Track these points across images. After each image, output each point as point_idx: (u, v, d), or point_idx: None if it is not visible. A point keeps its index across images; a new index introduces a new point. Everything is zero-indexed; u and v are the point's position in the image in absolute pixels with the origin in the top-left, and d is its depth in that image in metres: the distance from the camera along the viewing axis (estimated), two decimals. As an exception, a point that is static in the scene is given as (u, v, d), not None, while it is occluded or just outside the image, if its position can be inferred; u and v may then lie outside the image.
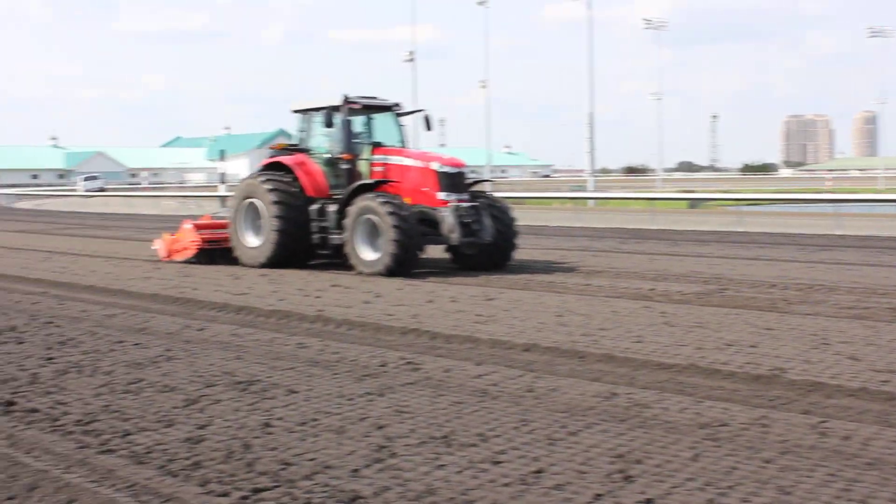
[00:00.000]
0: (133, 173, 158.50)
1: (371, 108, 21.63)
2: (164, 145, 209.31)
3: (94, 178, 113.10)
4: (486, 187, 22.56)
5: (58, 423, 8.01)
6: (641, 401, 8.52)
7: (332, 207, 20.41)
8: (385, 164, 20.50)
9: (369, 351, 11.08)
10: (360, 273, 19.16)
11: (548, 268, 20.44)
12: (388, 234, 18.63)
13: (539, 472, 6.53)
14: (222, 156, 64.01)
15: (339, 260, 20.67)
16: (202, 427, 7.77)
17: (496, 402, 8.56)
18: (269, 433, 7.57)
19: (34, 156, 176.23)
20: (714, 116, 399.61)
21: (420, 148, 22.13)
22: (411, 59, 79.40)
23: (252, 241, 21.32)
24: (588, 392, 8.89)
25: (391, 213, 18.65)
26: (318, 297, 15.92)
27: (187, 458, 6.91)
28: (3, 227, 42.11)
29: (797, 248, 25.64)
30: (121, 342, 11.81)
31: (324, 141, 21.57)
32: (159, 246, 23.30)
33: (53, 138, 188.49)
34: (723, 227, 35.09)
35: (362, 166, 20.70)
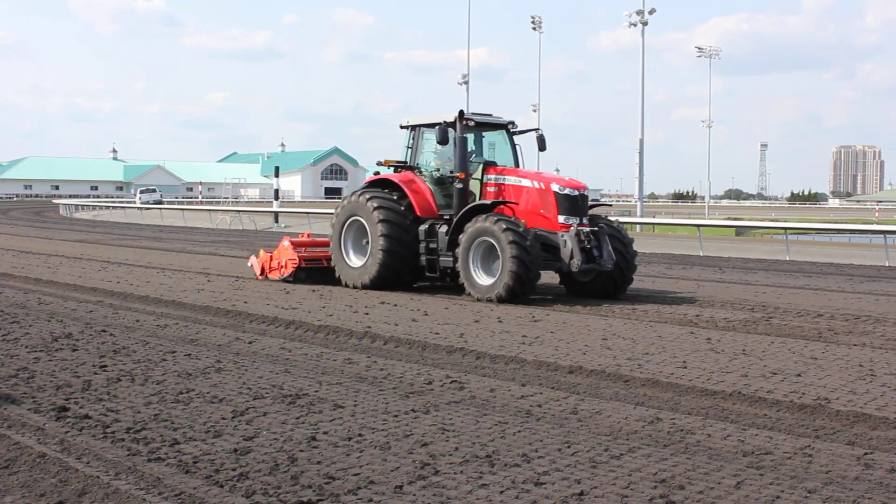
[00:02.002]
0: (189, 187, 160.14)
1: (484, 126, 20.50)
2: (221, 160, 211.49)
3: (152, 190, 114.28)
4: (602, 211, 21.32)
5: (108, 429, 8.06)
6: (685, 426, 8.43)
7: (443, 228, 19.54)
8: (499, 185, 19.54)
9: (415, 368, 11.08)
10: (474, 298, 18.20)
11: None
12: (507, 260, 17.61)
13: (581, 494, 6.47)
14: (276, 172, 64.19)
15: (444, 282, 20.17)
16: (249, 439, 7.79)
17: (540, 423, 8.51)
18: (315, 447, 7.57)
19: (94, 168, 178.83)
20: (763, 145, 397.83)
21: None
22: (466, 82, 79.57)
23: (355, 262, 20.52)
24: (632, 416, 8.81)
25: (512, 239, 17.58)
26: (366, 313, 15.94)
27: (234, 469, 6.93)
28: (62, 237, 42.63)
29: (845, 278, 25.30)
30: (172, 352, 11.89)
31: (433, 158, 20.65)
32: (254, 263, 22.46)
33: (114, 151, 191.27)
34: (770, 255, 34.73)
35: (474, 186, 19.74)
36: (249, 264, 22.81)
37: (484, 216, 18.34)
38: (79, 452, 7.37)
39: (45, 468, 6.98)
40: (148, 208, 78.57)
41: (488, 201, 19.06)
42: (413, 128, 20.73)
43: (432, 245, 19.61)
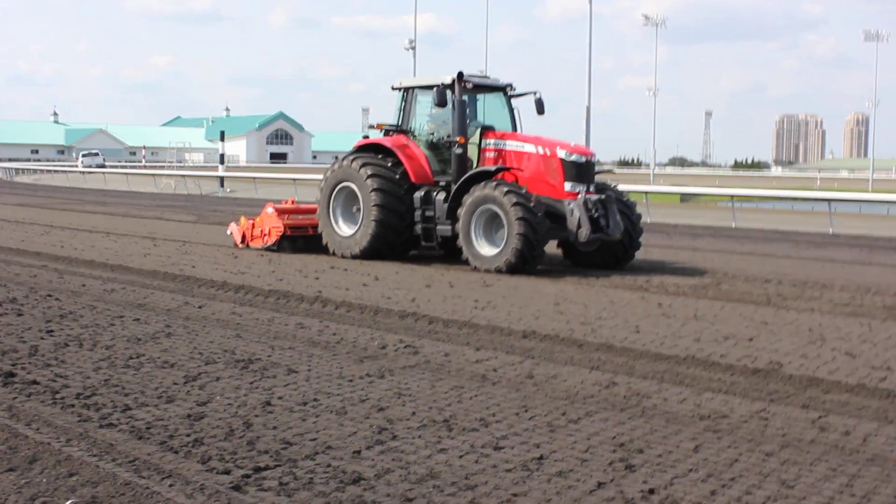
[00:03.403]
0: (132, 151, 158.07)
1: (481, 88, 19.62)
2: (165, 125, 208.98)
3: (94, 154, 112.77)
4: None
5: (58, 395, 7.89)
6: (641, 390, 8.44)
7: (440, 196, 18.70)
8: (498, 150, 18.66)
9: (368, 333, 10.98)
10: (475, 269, 17.43)
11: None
12: (513, 228, 16.82)
13: (541, 458, 6.43)
14: (222, 136, 63.57)
15: (440, 252, 19.23)
16: (202, 404, 7.67)
17: (496, 387, 8.46)
18: (270, 412, 7.47)
19: (35, 131, 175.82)
20: (708, 113, 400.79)
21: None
22: (413, 48, 79.05)
23: (346, 230, 19.68)
24: (588, 380, 8.80)
25: (517, 205, 16.80)
26: (316, 278, 15.82)
27: (188, 435, 6.81)
28: (2, 201, 41.89)
29: (790, 244, 25.57)
30: (120, 317, 11.69)
31: (427, 122, 19.79)
32: (234, 230, 21.58)
33: (55, 114, 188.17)
34: (716, 222, 35.01)
35: (471, 152, 18.85)
36: (228, 232, 21.89)
37: (486, 183, 17.59)
38: (28, 419, 7.20)
39: (-7, 434, 6.80)
40: (91, 172, 77.57)
41: (491, 167, 18.19)
42: (406, 90, 19.92)
43: (429, 213, 18.77)
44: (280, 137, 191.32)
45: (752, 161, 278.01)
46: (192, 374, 8.69)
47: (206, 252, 19.86)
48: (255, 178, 59.91)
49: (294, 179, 53.36)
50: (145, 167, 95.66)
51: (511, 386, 8.52)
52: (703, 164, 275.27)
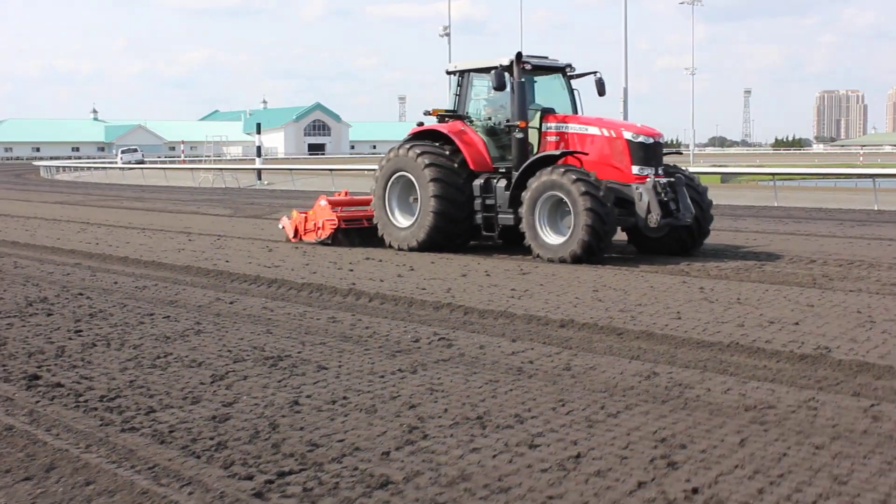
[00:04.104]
0: (171, 146, 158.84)
1: (539, 69, 18.72)
2: (203, 119, 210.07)
3: (133, 150, 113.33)
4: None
5: (81, 398, 7.68)
6: (683, 381, 8.10)
7: (501, 183, 17.95)
8: (560, 133, 17.89)
9: (402, 326, 10.74)
10: (541, 259, 16.70)
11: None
12: (581, 216, 16.01)
13: (578, 456, 6.13)
14: (258, 129, 63.58)
15: (499, 241, 18.67)
16: (229, 405, 7.43)
17: (532, 380, 8.17)
18: (297, 412, 7.21)
19: (75, 129, 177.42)
20: (747, 91, 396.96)
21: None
22: (447, 34, 78.68)
23: (402, 222, 18.94)
24: (627, 371, 8.48)
25: (586, 194, 15.98)
26: (350, 270, 15.58)
27: (212, 438, 6.56)
28: (41, 199, 42.07)
29: (835, 223, 25.04)
30: (150, 315, 11.51)
31: (484, 106, 19.06)
32: (286, 224, 20.90)
33: (94, 112, 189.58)
34: (757, 201, 34.44)
35: (531, 136, 18.03)
36: (281, 226, 21.27)
37: (550, 168, 16.76)
38: (48, 424, 6.99)
39: (11, 442, 6.59)
40: (130, 168, 77.96)
41: (556, 152, 17.38)
42: (461, 73, 19.14)
43: (489, 202, 18.03)
44: (318, 128, 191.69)
45: (793, 139, 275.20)
46: (219, 373, 8.46)
47: (240, 246, 19.69)
48: (291, 168, 59.79)
49: (331, 170, 53.18)
50: (184, 162, 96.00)
51: (548, 379, 8.23)
52: (744, 143, 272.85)
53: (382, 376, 8.34)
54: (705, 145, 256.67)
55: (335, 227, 19.74)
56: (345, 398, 7.60)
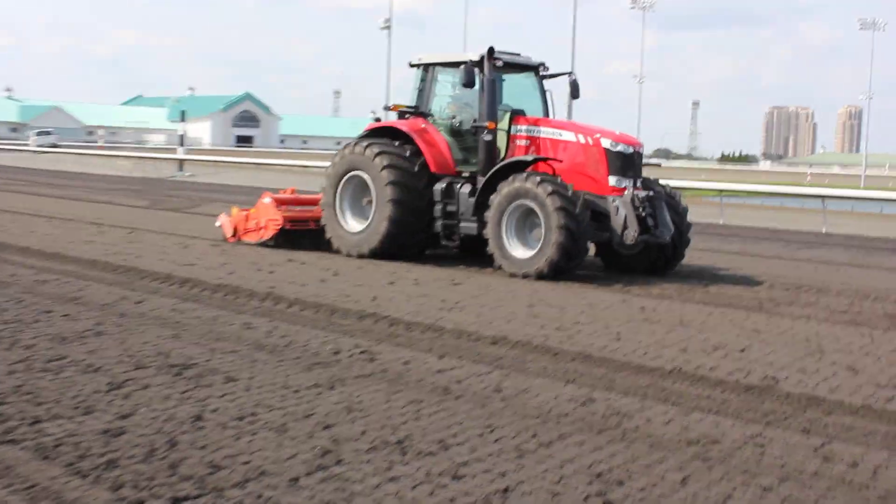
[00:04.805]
0: (90, 131, 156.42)
1: (511, 67, 18.15)
2: (125, 103, 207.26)
3: (48, 133, 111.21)
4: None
5: (-40, 404, 7.24)
6: (622, 409, 7.87)
7: (465, 188, 17.30)
8: (531, 138, 17.28)
9: (322, 336, 10.39)
10: (509, 273, 16.03)
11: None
12: (553, 233, 15.44)
13: (506, 490, 5.84)
14: (182, 116, 62.78)
15: (456, 249, 18.22)
16: (124, 417, 7.04)
17: (459, 402, 7.88)
18: (200, 428, 6.84)
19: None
20: (695, 103, 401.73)
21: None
22: (388, 27, 78.41)
23: (354, 226, 18.16)
24: (562, 396, 8.23)
25: (560, 207, 15.41)
26: (270, 272, 15.19)
27: (102, 455, 6.17)
28: (-56, 180, 41.00)
29: (781, 244, 25.18)
30: (48, 312, 11.04)
31: (448, 104, 18.44)
32: (224, 222, 19.93)
33: (8, 90, 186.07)
34: (702, 217, 34.45)
35: (499, 139, 17.44)
36: (218, 223, 20.29)
37: (524, 175, 16.14)
38: (-81, 432, 6.56)
39: None
40: (43, 152, 76.55)
41: (528, 157, 16.82)
42: (425, 67, 18.43)
43: (450, 208, 17.35)
44: (246, 119, 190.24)
45: (740, 154, 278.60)
46: (117, 381, 8.05)
47: (154, 241, 19.19)
48: (216, 161, 59.14)
49: (257, 164, 52.60)
50: (102, 148, 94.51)
51: (476, 401, 7.94)
52: (689, 156, 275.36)
53: (297, 391, 8.00)
54: (650, 156, 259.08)
55: (279, 227, 18.89)
56: (253, 414, 7.25)
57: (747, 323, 12.30)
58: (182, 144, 61.63)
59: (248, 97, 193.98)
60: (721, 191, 36.66)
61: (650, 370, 9.32)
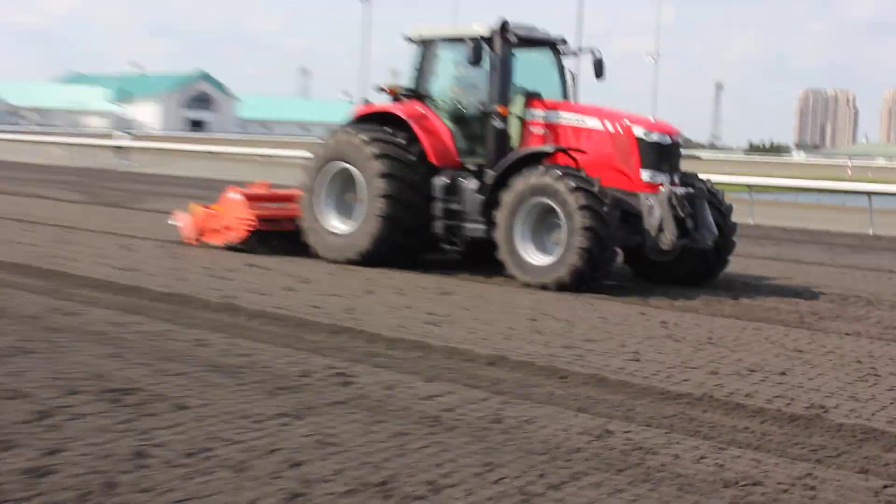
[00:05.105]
0: (17, 112, 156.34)
1: (526, 43, 17.74)
2: (60, 82, 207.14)
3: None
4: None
5: None
6: (644, 443, 7.73)
7: (471, 184, 16.98)
8: (548, 125, 16.92)
9: (288, 355, 10.26)
10: (524, 283, 15.75)
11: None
12: (576, 232, 15.07)
13: (509, 543, 5.68)
14: (126, 99, 62.76)
15: (458, 255, 17.86)
16: (52, 453, 6.85)
17: (452, 435, 7.73)
18: (144, 466, 6.65)
19: None
20: (719, 85, 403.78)
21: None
22: (362, -6, 78.43)
23: (339, 227, 17.82)
24: (573, 427, 8.09)
25: (585, 206, 15.03)
26: (228, 278, 15.11)
27: (26, 500, 6.00)
28: None
29: (822, 247, 25.22)
30: (-36, 327, 10.90)
31: (451, 85, 18.16)
32: (184, 222, 19.48)
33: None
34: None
35: (511, 126, 17.10)
36: (176, 223, 19.82)
37: (542, 168, 15.85)
38: None
39: None
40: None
41: (547, 147, 16.50)
42: (424, 42, 18.12)
43: (454, 207, 17.02)
44: (200, 101, 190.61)
45: (770, 144, 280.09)
46: (45, 409, 7.87)
47: (92, 241, 19.12)
48: (166, 149, 59.07)
49: (212, 153, 52.56)
50: (32, 132, 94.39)
51: (472, 433, 7.79)
52: (712, 146, 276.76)
53: (259, 422, 7.84)
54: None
55: (251, 228, 18.44)
56: (207, 450, 7.07)
57: (787, 341, 12.25)
58: (125, 130, 61.52)
59: (201, 76, 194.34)
60: (751, 186, 36.61)
61: (676, 396, 9.23)
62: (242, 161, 56.29)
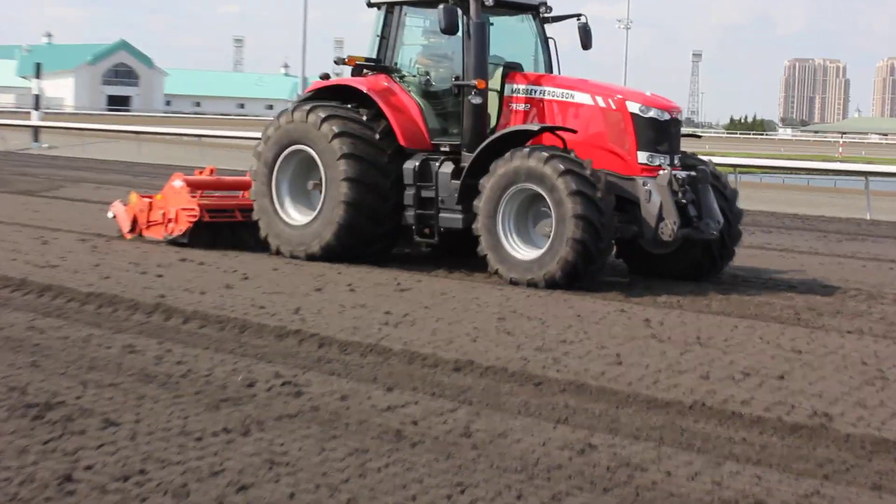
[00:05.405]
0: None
1: (504, 7, 17.56)
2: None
3: None
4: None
5: None
6: (631, 458, 7.70)
7: (445, 168, 16.71)
8: (531, 100, 16.76)
9: (230, 362, 10.22)
10: (507, 279, 15.58)
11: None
12: (568, 225, 14.83)
13: (487, 576, 5.63)
14: (38, 71, 62.30)
15: (428, 248, 17.96)
16: (-35, 479, 6.77)
17: (417, 451, 7.69)
18: (70, 493, 6.57)
19: None
20: (696, 54, 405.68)
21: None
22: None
23: (297, 218, 17.68)
24: (552, 441, 8.05)
25: (577, 191, 14.81)
26: (159, 275, 15.05)
27: (-64, 533, 5.90)
28: None
29: (816, 235, 25.36)
30: None
31: (420, 55, 18.07)
32: (119, 213, 19.37)
33: None
34: (712, 201, 34.80)
35: (490, 102, 16.83)
36: (111, 215, 19.63)
37: (527, 150, 15.55)
38: None
39: None
40: None
41: (533, 125, 16.33)
42: (388, 7, 17.76)
43: (427, 193, 16.81)
44: (121, 75, 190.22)
45: (754, 119, 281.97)
46: (-44, 428, 7.79)
47: (3, 234, 19.06)
48: (83, 128, 58.73)
49: (136, 133, 52.30)
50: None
51: (439, 449, 7.75)
52: (689, 121, 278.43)
53: (199, 439, 7.77)
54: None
55: (195, 219, 18.23)
56: (142, 472, 6.99)
57: (783, 340, 12.27)
58: (37, 107, 61.14)
59: (123, 46, 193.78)
60: (736, 166, 36.80)
61: (664, 405, 9.20)
62: (170, 142, 56.16)
